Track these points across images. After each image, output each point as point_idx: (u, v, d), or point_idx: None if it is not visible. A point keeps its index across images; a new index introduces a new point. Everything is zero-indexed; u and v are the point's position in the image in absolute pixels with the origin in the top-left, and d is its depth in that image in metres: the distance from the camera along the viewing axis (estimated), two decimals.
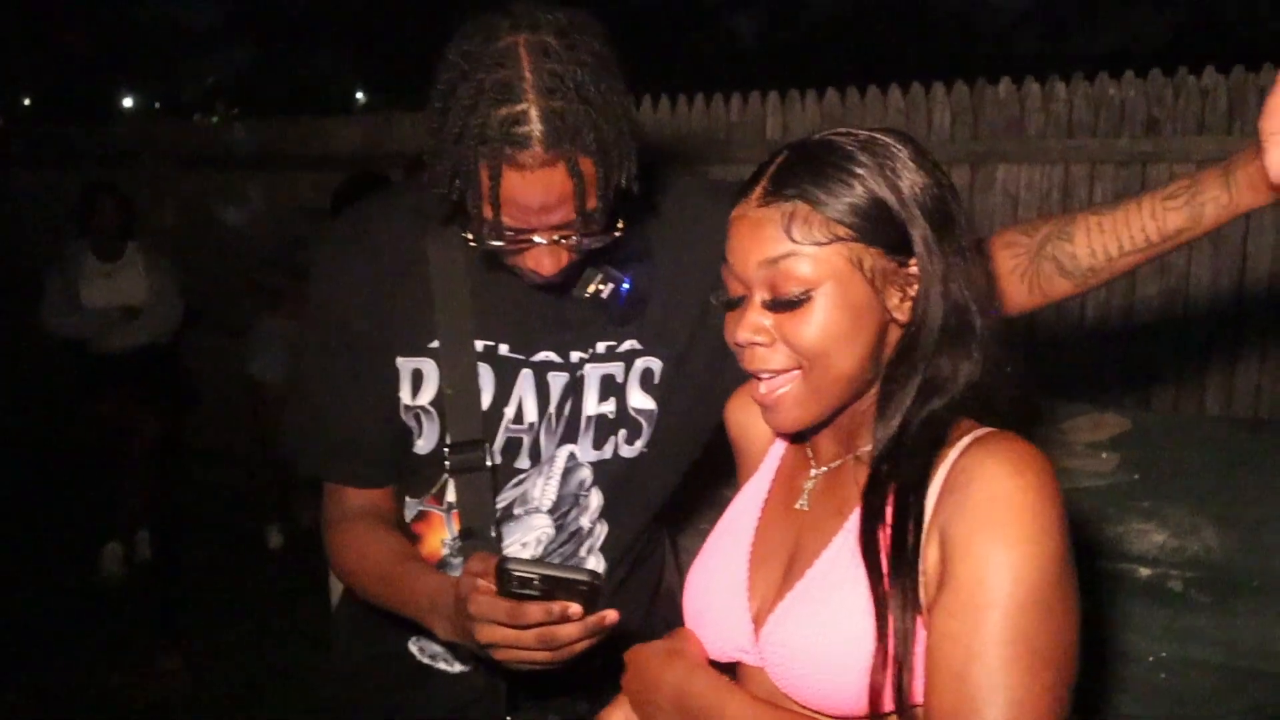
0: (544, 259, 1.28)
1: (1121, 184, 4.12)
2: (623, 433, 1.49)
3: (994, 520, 0.97)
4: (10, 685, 3.95)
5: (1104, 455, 2.30)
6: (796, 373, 1.10)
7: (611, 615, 1.14)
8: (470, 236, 1.29)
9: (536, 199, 1.22)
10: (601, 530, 1.52)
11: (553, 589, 1.12)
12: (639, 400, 1.49)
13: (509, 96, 1.18)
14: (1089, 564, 1.96)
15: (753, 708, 1.10)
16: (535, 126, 1.18)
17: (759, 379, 1.13)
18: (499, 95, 1.18)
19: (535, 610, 1.12)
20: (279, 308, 4.87)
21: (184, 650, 4.16)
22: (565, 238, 1.26)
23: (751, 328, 1.10)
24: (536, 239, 1.26)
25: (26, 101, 24.27)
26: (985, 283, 1.12)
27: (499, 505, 1.47)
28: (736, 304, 1.13)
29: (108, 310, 4.96)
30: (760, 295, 1.10)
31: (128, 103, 22.84)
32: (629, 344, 1.48)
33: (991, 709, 0.94)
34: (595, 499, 1.51)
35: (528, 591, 1.12)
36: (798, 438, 1.27)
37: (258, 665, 4.02)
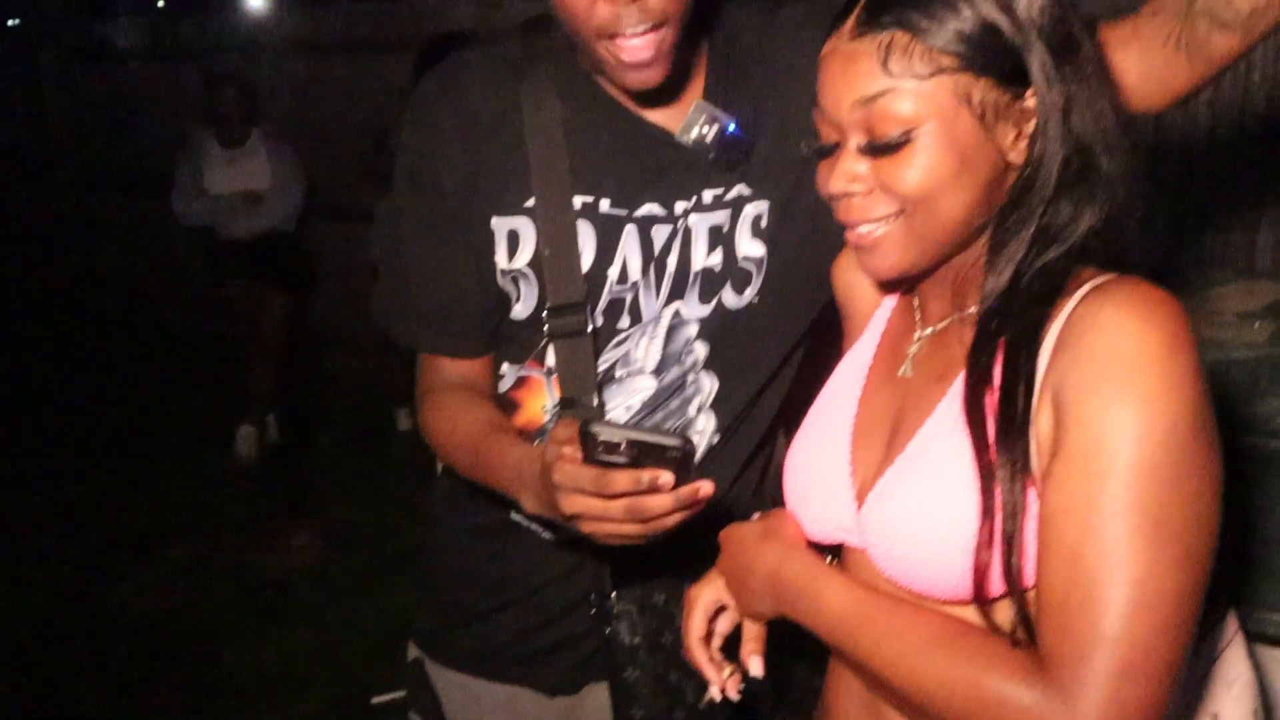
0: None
1: None
2: (730, 283, 1.40)
3: (1112, 374, 0.85)
4: (150, 559, 4.17)
5: (1257, 325, 2.12)
6: (898, 216, 0.99)
7: (706, 486, 1.06)
8: None
9: None
10: (710, 384, 1.44)
11: (641, 455, 1.03)
12: (748, 248, 1.39)
13: None
14: (1237, 440, 1.81)
15: (850, 592, 1.02)
16: None
17: (857, 229, 1.02)
18: None
19: (622, 479, 1.04)
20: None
21: (315, 527, 4.30)
22: None
23: (846, 176, 0.99)
24: None
25: (160, 3, 24.89)
26: (1114, 115, 0.98)
27: (600, 368, 1.40)
28: (830, 151, 1.02)
29: (232, 196, 5.06)
30: (855, 139, 0.98)
31: None
32: (737, 190, 1.38)
33: (1110, 589, 0.83)
34: (700, 350, 1.42)
35: (614, 458, 1.04)
36: (905, 293, 1.16)
37: (385, 543, 4.13)
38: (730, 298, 1.41)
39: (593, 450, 1.05)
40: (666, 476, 1.04)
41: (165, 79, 7.44)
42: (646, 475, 1.04)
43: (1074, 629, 0.84)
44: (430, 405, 1.49)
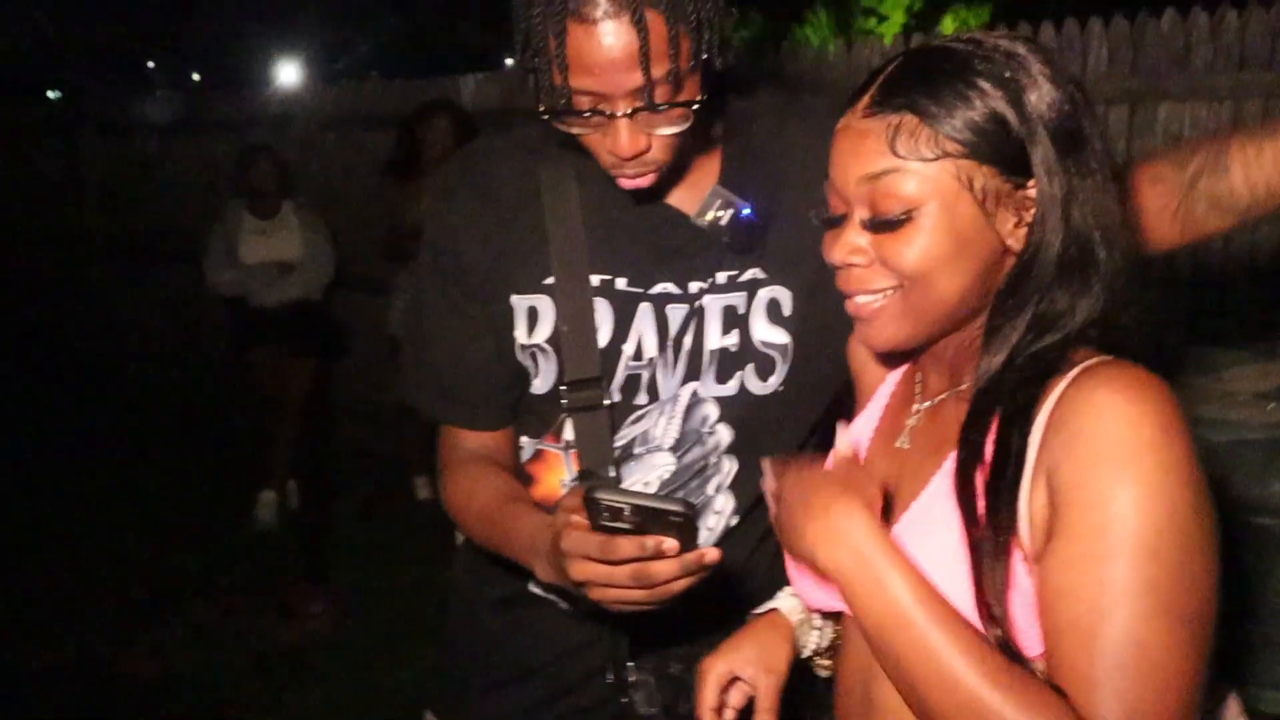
0: (620, 136, 1.22)
1: None
2: (750, 367, 1.42)
3: (1109, 458, 0.87)
4: (164, 623, 4.17)
5: (1271, 406, 2.13)
6: (895, 290, 1.02)
7: (712, 554, 1.08)
8: (544, 109, 1.24)
9: (602, 56, 1.16)
10: (731, 467, 1.46)
11: (645, 521, 1.06)
12: (766, 333, 1.42)
13: None
14: (1250, 521, 1.81)
15: (923, 584, 0.94)
16: None
17: (855, 299, 1.06)
18: None
19: (627, 545, 1.06)
20: (413, 265, 4.92)
21: (329, 596, 4.30)
22: (637, 109, 1.20)
23: (848, 248, 1.03)
24: (609, 111, 1.21)
25: (196, 76, 25.45)
26: (1118, 212, 1.01)
27: (618, 444, 1.44)
28: (837, 222, 1.05)
29: (265, 266, 5.14)
30: (860, 213, 1.02)
31: (287, 72, 23.72)
32: (751, 273, 1.42)
33: (1130, 672, 0.84)
34: (724, 435, 1.45)
35: (620, 525, 1.07)
36: (909, 370, 1.19)
37: (401, 612, 4.13)
38: (754, 383, 1.43)
39: (598, 517, 1.08)
40: (671, 542, 1.06)
41: (198, 152, 7.60)
42: (651, 541, 1.06)
43: (1103, 707, 0.85)
44: (450, 476, 1.52)
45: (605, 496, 1.06)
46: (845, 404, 1.45)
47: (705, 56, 1.22)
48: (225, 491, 5.35)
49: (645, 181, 1.31)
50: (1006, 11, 5.16)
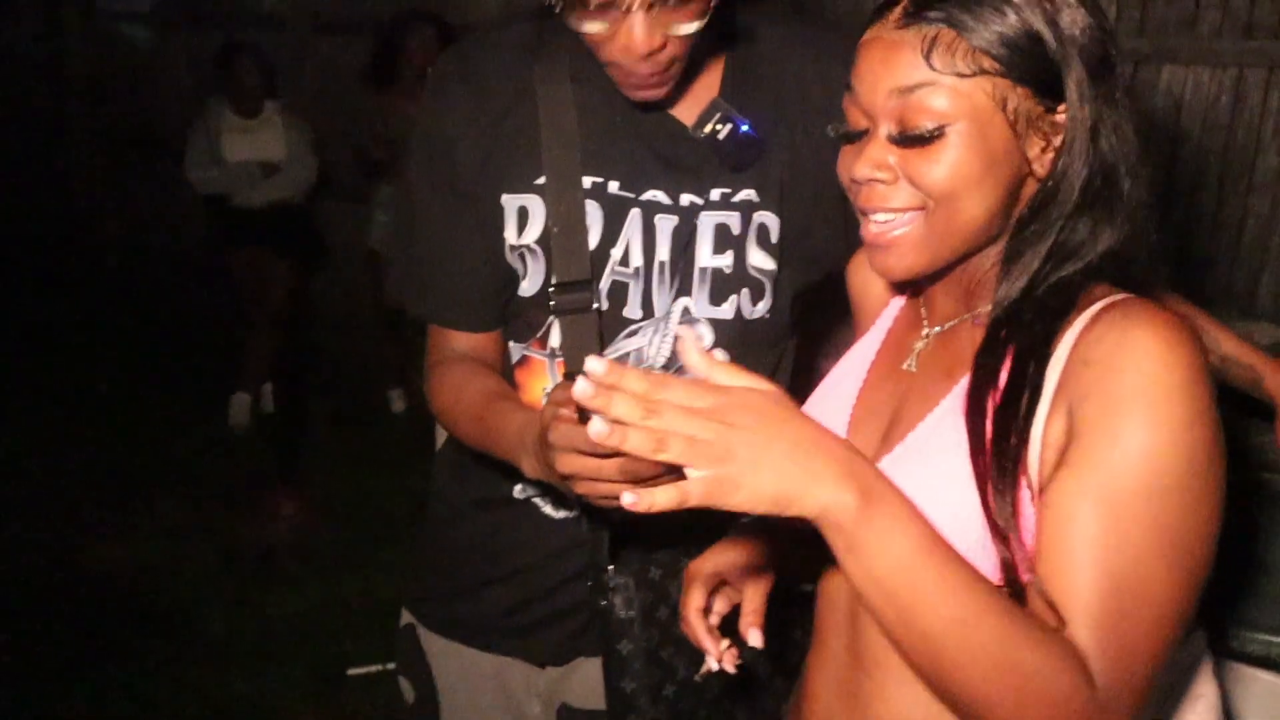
0: (635, 31, 1.18)
1: None
2: (745, 291, 1.41)
3: (1140, 396, 0.87)
4: (133, 518, 4.17)
5: None
6: (918, 213, 1.00)
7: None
8: (558, 5, 1.21)
9: None
10: None
11: None
12: (758, 258, 1.40)
13: None
14: (1231, 471, 1.84)
15: (928, 530, 0.87)
16: None
17: (873, 219, 1.03)
18: None
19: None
20: (389, 177, 4.84)
21: (300, 499, 4.31)
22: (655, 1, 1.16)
23: (873, 162, 1.00)
24: (625, 4, 1.16)
25: None
26: (1137, 142, 1.00)
27: (611, 358, 1.41)
28: (856, 137, 1.03)
29: (247, 164, 5.07)
30: (886, 128, 0.99)
31: None
32: (745, 194, 1.39)
33: (1128, 607, 0.86)
34: (720, 358, 1.43)
35: None
36: (913, 294, 1.18)
37: (370, 519, 4.15)
38: (748, 307, 1.42)
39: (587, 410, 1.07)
40: None
41: (186, 45, 7.44)
42: None
43: (1110, 639, 0.86)
44: (437, 376, 1.51)
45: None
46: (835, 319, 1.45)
47: None
48: (200, 390, 5.32)
49: (657, 92, 1.28)
50: None
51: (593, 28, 1.21)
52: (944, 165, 0.97)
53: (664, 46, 1.21)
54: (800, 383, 1.67)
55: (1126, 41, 4.06)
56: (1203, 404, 0.88)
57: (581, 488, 1.13)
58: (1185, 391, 0.87)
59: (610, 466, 1.08)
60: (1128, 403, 0.87)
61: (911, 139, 0.98)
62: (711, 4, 1.21)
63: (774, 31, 1.43)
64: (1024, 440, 0.92)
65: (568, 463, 1.11)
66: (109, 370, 5.67)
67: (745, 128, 1.35)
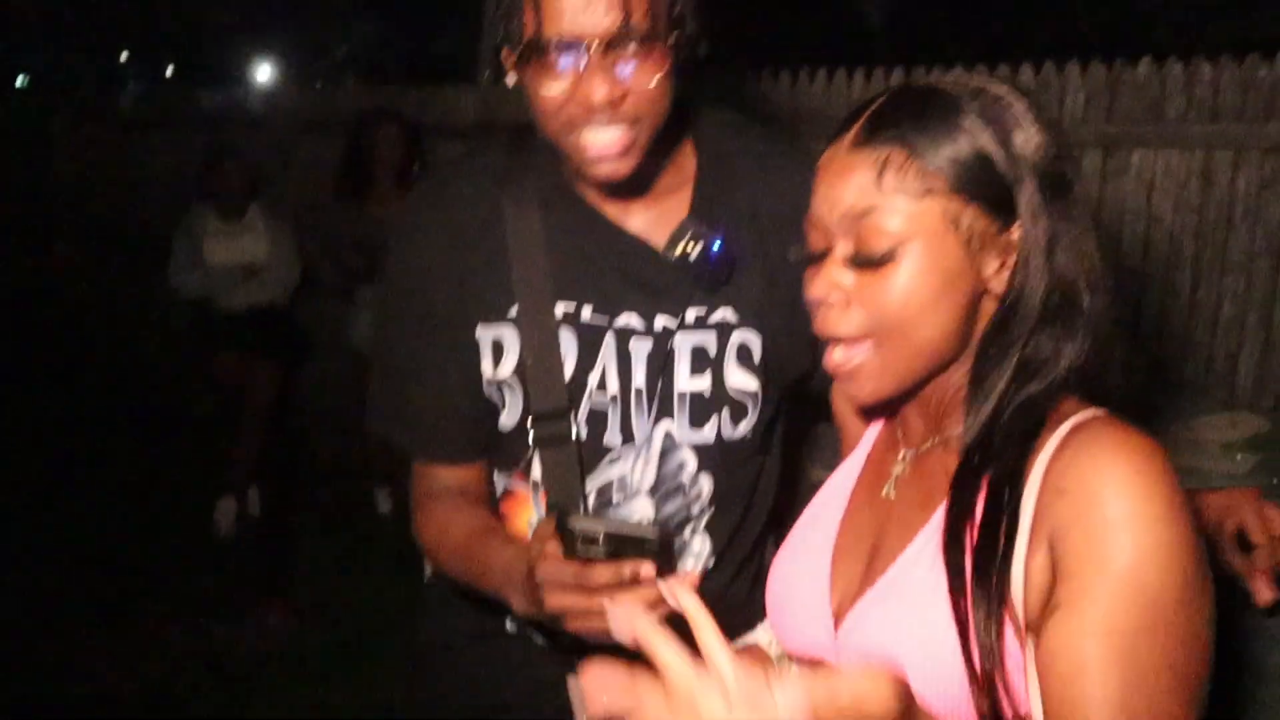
0: (594, 81, 1.18)
1: (1269, 170, 3.88)
2: (725, 412, 1.40)
3: (1124, 532, 0.87)
4: (121, 632, 4.09)
5: (1239, 456, 2.15)
6: (870, 341, 1.00)
7: (690, 578, 1.07)
8: (515, 62, 1.22)
9: None
10: (708, 512, 1.45)
11: (619, 548, 1.04)
12: (739, 379, 1.40)
13: None
14: (1220, 573, 1.83)
15: None
16: None
17: (831, 346, 1.04)
18: None
19: (603, 572, 1.05)
20: (370, 278, 4.82)
21: (288, 606, 4.25)
22: (612, 44, 1.17)
23: (828, 283, 1.01)
24: (582, 44, 1.17)
25: (170, 70, 25.22)
26: (1098, 256, 1.01)
27: (594, 488, 1.41)
28: (817, 258, 1.03)
29: (230, 268, 5.09)
30: (842, 249, 1.00)
31: (263, 71, 23.56)
32: (722, 314, 1.39)
33: None
34: (705, 484, 1.43)
35: (594, 552, 1.05)
36: (890, 415, 1.17)
37: (359, 626, 4.08)
38: (729, 429, 1.41)
39: (572, 544, 1.06)
40: (647, 568, 1.04)
41: (170, 146, 7.52)
42: (628, 567, 1.04)
43: None
44: (424, 512, 1.50)
45: (579, 523, 1.05)
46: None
47: (679, 16, 1.21)
48: (186, 497, 5.27)
49: (620, 153, 1.25)
50: (987, 52, 5.22)
51: (552, 90, 1.21)
52: (898, 288, 0.98)
53: (625, 97, 1.21)
54: (788, 491, 1.67)
55: (1096, 127, 4.15)
56: (1183, 526, 0.88)
57: (573, 624, 1.13)
58: (1166, 518, 0.87)
59: (599, 601, 1.07)
60: (1112, 537, 0.87)
61: (866, 261, 0.98)
62: (668, 65, 1.22)
63: (741, 146, 1.44)
64: (1005, 579, 0.91)
65: (557, 599, 1.11)
66: (93, 476, 5.61)
67: (717, 246, 1.35)
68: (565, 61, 1.19)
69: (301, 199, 6.43)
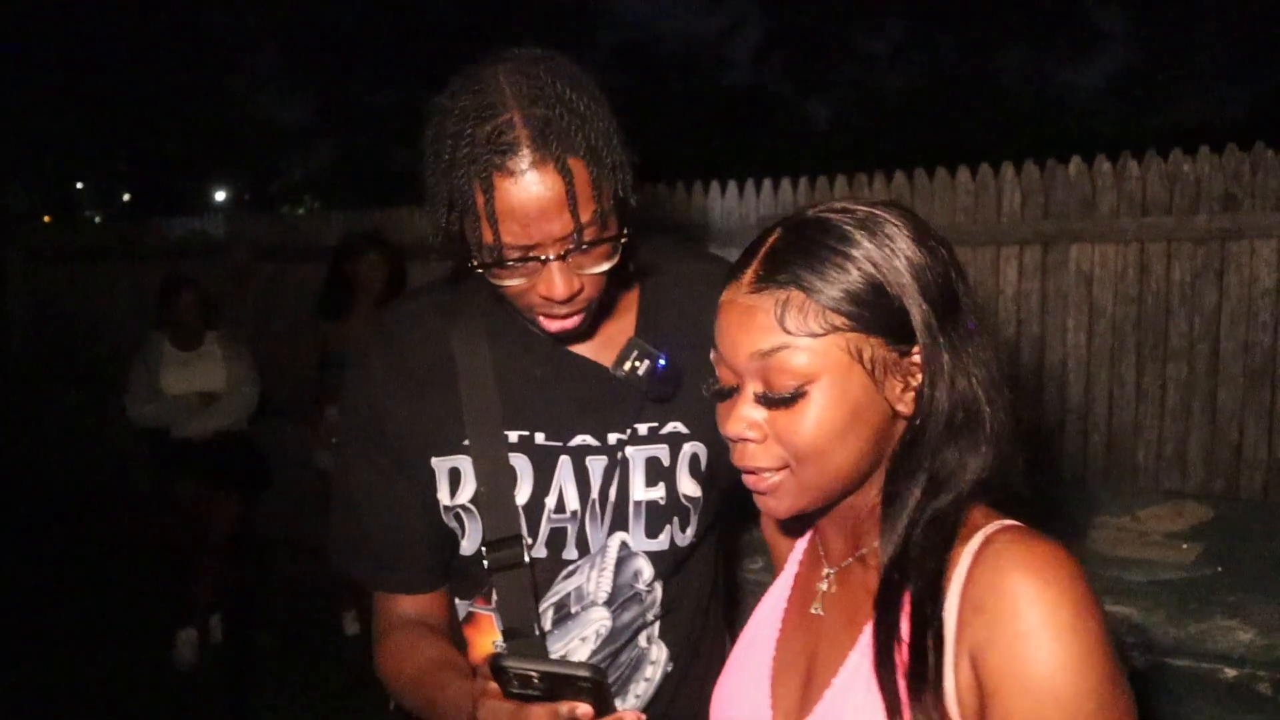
0: (554, 280, 1.25)
1: (1201, 260, 4.02)
2: (676, 520, 1.44)
3: (1038, 647, 0.89)
4: None
5: (1184, 545, 2.20)
6: (787, 470, 1.03)
7: (629, 717, 1.07)
8: (476, 265, 1.27)
9: (532, 205, 1.20)
10: (663, 620, 1.48)
11: (556, 687, 1.05)
12: (688, 487, 1.44)
13: (492, 113, 1.21)
14: (1169, 664, 1.85)
15: None
16: (521, 131, 1.20)
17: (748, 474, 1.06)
18: (482, 114, 1.21)
19: (539, 712, 1.06)
20: (336, 399, 4.86)
21: None
22: (568, 250, 1.24)
23: (744, 422, 1.03)
24: (541, 257, 1.23)
25: (126, 197, 25.35)
26: (995, 368, 1.03)
27: (552, 601, 1.43)
28: (728, 394, 1.06)
29: (187, 397, 5.08)
30: (753, 387, 1.03)
31: (220, 196, 23.75)
32: (673, 426, 1.45)
33: None
34: (659, 591, 1.46)
35: (531, 691, 1.06)
36: (814, 532, 1.20)
37: None
38: (679, 536, 1.45)
39: (508, 684, 1.07)
40: (585, 708, 1.04)
41: (128, 278, 7.55)
42: (565, 708, 1.04)
43: None
44: (383, 644, 1.50)
45: (512, 664, 1.05)
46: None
47: (623, 195, 1.27)
48: (146, 628, 5.16)
49: (575, 322, 1.34)
50: (925, 151, 5.40)
51: (513, 283, 1.28)
52: (809, 423, 1.00)
53: (581, 288, 1.28)
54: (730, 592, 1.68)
55: (1034, 225, 4.29)
56: (1094, 631, 0.90)
57: None
58: (1075, 626, 0.89)
59: None
60: (1026, 650, 0.89)
61: (776, 400, 1.01)
62: (619, 245, 1.28)
63: (679, 268, 1.51)
64: (940, 696, 0.94)
65: None
66: (53, 610, 5.50)
67: (663, 361, 1.40)
68: (524, 263, 1.26)
69: (261, 322, 6.48)
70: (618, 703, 1.17)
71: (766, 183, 4.98)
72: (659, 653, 1.48)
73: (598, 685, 1.04)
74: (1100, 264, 4.20)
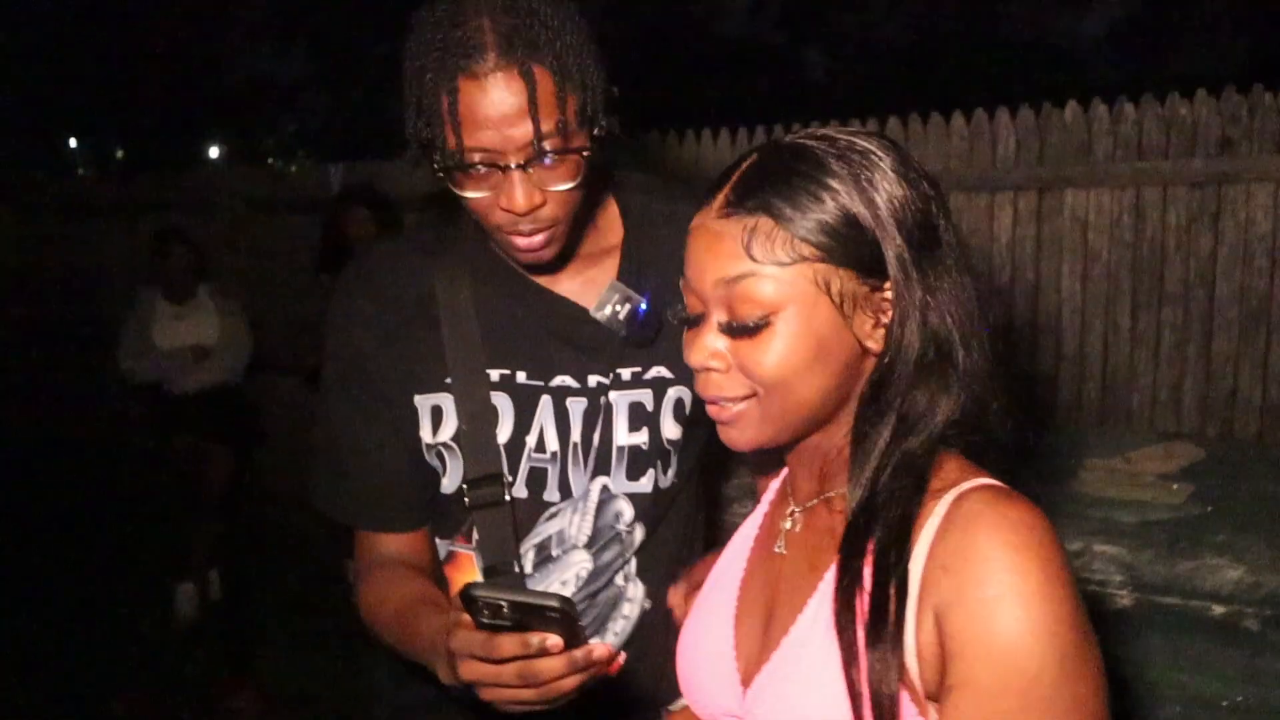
0: (515, 190, 1.24)
1: (1196, 205, 3.99)
2: (659, 463, 1.45)
3: (1004, 612, 0.87)
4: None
5: (1175, 486, 2.21)
6: (752, 399, 1.01)
7: (600, 649, 1.06)
8: (439, 170, 1.27)
9: (493, 108, 1.20)
10: (640, 558, 1.48)
11: (526, 618, 1.03)
12: (672, 431, 1.45)
13: (464, 19, 1.21)
14: (1158, 602, 1.86)
15: None
16: (489, 36, 1.20)
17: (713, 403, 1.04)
18: (455, 19, 1.21)
19: (509, 642, 1.04)
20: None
21: (255, 690, 4.18)
22: (530, 160, 1.23)
23: (706, 352, 1.01)
24: (502, 164, 1.23)
25: (120, 154, 25.17)
26: (973, 308, 1.00)
27: (534, 543, 1.44)
28: (695, 321, 1.04)
29: (180, 351, 5.07)
30: (717, 316, 1.00)
31: (214, 152, 23.59)
32: (657, 370, 1.44)
33: None
34: (639, 531, 1.46)
35: (501, 622, 1.04)
36: (786, 469, 1.18)
37: (329, 705, 4.01)
38: (662, 478, 1.45)
39: (479, 615, 1.05)
40: (554, 639, 1.03)
41: (120, 233, 7.51)
42: (535, 638, 1.03)
43: None
44: (364, 583, 1.49)
45: (482, 593, 1.04)
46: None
47: (591, 115, 1.26)
48: (145, 583, 5.19)
49: (542, 247, 1.31)
50: (921, 100, 5.34)
51: (477, 195, 1.27)
52: (773, 354, 0.97)
53: (544, 204, 1.27)
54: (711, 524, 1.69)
55: (1028, 170, 4.25)
56: (1061, 600, 0.88)
57: (486, 694, 1.11)
58: (1042, 594, 0.87)
59: (509, 672, 1.07)
60: (990, 617, 0.88)
61: (740, 329, 0.98)
62: (583, 166, 1.27)
63: (664, 207, 1.48)
64: (899, 650, 0.92)
65: (469, 670, 1.10)
66: (52, 568, 5.52)
67: (644, 306, 1.40)
68: (486, 173, 1.25)
69: (253, 277, 6.45)
70: (596, 640, 1.17)
71: (760, 129, 4.94)
72: (636, 590, 1.49)
73: (566, 616, 1.03)
74: (1095, 209, 4.18)
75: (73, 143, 24.60)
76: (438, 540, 1.50)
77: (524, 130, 1.21)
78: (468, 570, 1.47)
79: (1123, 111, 4.10)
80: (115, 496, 6.41)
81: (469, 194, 1.27)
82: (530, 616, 1.04)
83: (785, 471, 1.19)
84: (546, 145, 1.22)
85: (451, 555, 1.49)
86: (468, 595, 1.05)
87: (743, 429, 1.03)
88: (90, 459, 7.10)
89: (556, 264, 1.41)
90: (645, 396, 1.44)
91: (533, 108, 1.20)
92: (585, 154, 1.27)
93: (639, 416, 1.43)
